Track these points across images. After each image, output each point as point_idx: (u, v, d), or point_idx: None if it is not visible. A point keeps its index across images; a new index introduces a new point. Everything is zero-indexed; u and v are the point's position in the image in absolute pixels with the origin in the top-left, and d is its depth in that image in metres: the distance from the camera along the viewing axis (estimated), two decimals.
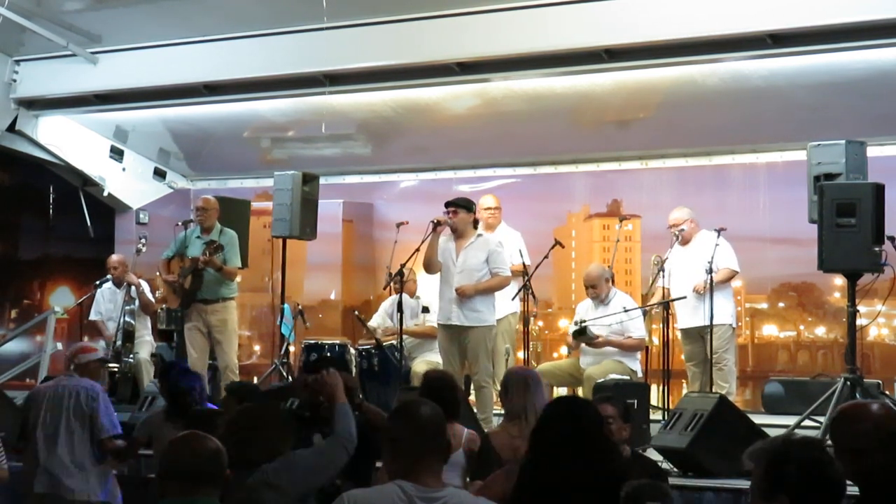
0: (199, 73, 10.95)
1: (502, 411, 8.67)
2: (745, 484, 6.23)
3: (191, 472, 3.39)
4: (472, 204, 8.76)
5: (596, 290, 9.01)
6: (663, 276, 9.17)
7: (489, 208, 9.76)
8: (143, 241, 10.46)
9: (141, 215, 12.89)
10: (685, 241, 9.30)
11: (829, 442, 3.55)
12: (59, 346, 11.77)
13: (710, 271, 8.90)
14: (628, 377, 8.54)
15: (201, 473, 3.40)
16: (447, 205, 8.62)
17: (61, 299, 13.50)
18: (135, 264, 10.55)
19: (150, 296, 10.47)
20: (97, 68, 11.34)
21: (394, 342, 9.26)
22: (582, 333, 8.81)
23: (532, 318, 9.56)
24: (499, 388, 9.14)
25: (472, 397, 8.43)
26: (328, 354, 9.25)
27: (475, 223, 8.70)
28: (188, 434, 3.59)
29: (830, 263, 7.78)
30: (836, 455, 3.30)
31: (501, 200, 10.08)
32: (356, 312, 10.48)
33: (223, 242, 9.49)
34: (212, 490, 3.40)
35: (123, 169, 12.73)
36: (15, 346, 13.00)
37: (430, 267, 8.62)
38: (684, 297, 9.04)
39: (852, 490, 3.47)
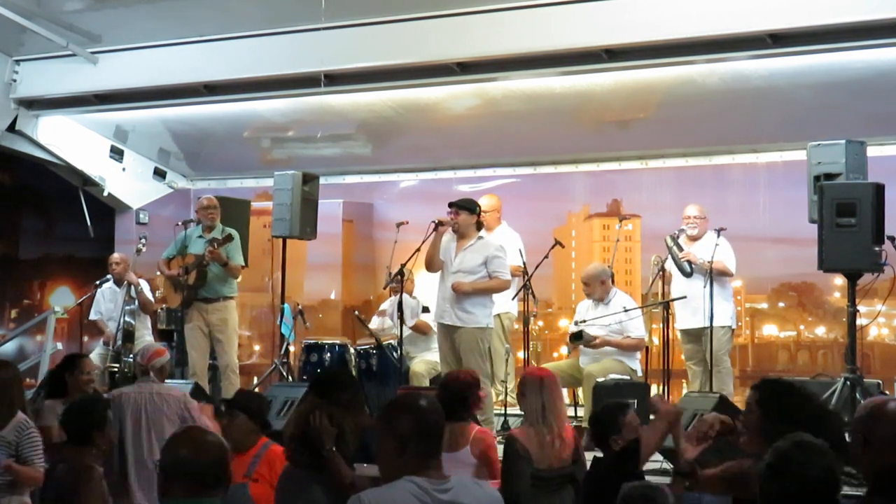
0: (199, 74, 10.93)
1: (503, 411, 8.78)
2: None
3: (195, 473, 3.33)
4: (476, 206, 8.62)
5: (589, 288, 9.03)
6: (663, 275, 9.19)
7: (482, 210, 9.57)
8: (143, 240, 10.46)
9: (141, 215, 12.89)
10: (695, 239, 9.33)
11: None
12: (60, 346, 11.79)
13: (711, 272, 8.92)
14: (628, 377, 8.54)
15: (206, 474, 3.35)
16: (450, 205, 8.55)
17: (61, 299, 13.52)
18: (135, 264, 10.55)
19: (149, 295, 10.47)
20: (97, 68, 11.32)
21: (392, 342, 9.25)
22: (578, 338, 8.81)
23: (532, 318, 9.55)
24: (498, 388, 9.19)
25: None
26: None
27: (479, 225, 8.59)
28: (190, 430, 3.53)
29: (830, 263, 7.78)
30: (851, 442, 3.47)
31: (502, 200, 10.06)
32: (356, 312, 10.47)
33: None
34: (217, 491, 3.37)
35: (123, 169, 12.73)
36: (15, 346, 13.01)
37: (431, 265, 8.52)
38: (684, 297, 9.05)
39: (856, 491, 3.49)
